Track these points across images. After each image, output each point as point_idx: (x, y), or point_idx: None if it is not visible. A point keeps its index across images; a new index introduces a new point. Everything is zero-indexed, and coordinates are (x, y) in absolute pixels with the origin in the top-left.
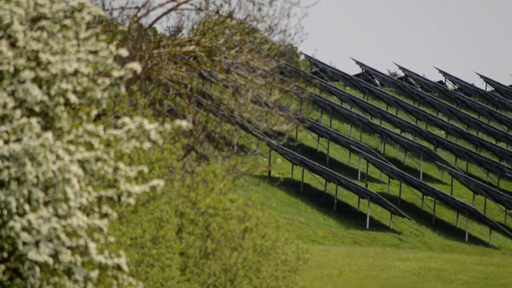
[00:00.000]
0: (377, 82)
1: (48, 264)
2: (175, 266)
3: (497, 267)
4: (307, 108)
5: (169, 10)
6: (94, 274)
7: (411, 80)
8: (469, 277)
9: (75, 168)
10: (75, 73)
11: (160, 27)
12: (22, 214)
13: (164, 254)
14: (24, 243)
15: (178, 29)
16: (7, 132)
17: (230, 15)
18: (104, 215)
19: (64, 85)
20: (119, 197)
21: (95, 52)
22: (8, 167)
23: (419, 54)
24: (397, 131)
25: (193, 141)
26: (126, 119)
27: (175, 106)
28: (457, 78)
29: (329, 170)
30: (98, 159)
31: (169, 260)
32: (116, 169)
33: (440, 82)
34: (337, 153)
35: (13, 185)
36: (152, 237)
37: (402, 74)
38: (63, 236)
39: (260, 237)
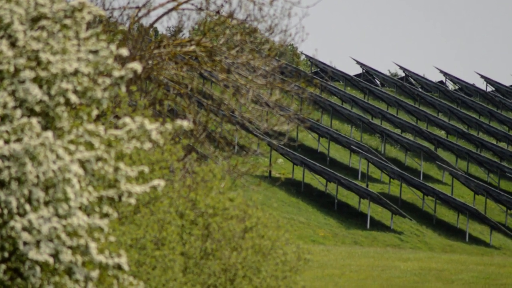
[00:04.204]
0: (378, 82)
1: (48, 263)
2: (178, 268)
3: (498, 267)
4: (308, 108)
5: (170, 10)
6: (95, 273)
7: (412, 80)
8: (470, 277)
9: (76, 168)
10: (76, 73)
11: (160, 27)
12: (22, 214)
13: (167, 256)
14: (25, 243)
15: (179, 29)
16: (7, 132)
17: (231, 15)
18: (104, 215)
19: (64, 85)
20: (119, 197)
21: (95, 52)
22: (8, 167)
23: (420, 54)
24: (398, 131)
25: (194, 141)
26: (127, 119)
27: (176, 106)
28: (457, 78)
29: (329, 170)
30: (98, 159)
31: (171, 261)
32: (116, 169)
33: (441, 82)
34: (338, 153)
35: (14, 185)
36: (155, 239)
37: (403, 74)
38: (63, 235)
39: (259, 237)
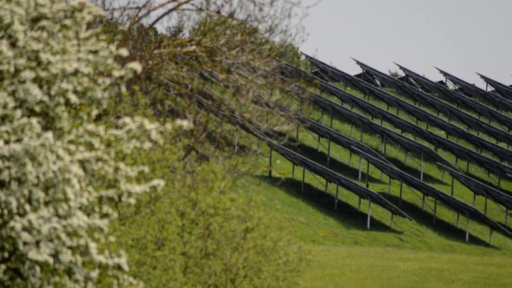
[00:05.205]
0: (378, 82)
1: (48, 263)
2: (178, 267)
3: (498, 267)
4: (308, 108)
5: (170, 10)
6: (95, 274)
7: (412, 80)
8: (470, 277)
9: (76, 168)
10: (76, 73)
11: (161, 27)
12: (22, 214)
13: (168, 256)
14: (25, 243)
15: (179, 29)
16: (7, 132)
17: (231, 15)
18: (104, 215)
19: (64, 85)
20: (119, 197)
21: (95, 52)
22: (8, 167)
23: (420, 54)
24: (398, 131)
25: (194, 141)
26: (127, 119)
27: (176, 106)
28: (457, 78)
29: (329, 170)
30: (98, 159)
31: (172, 261)
32: (116, 169)
33: (441, 82)
34: (338, 153)
35: (14, 185)
36: (156, 239)
37: (403, 74)
38: (63, 236)
39: (261, 237)
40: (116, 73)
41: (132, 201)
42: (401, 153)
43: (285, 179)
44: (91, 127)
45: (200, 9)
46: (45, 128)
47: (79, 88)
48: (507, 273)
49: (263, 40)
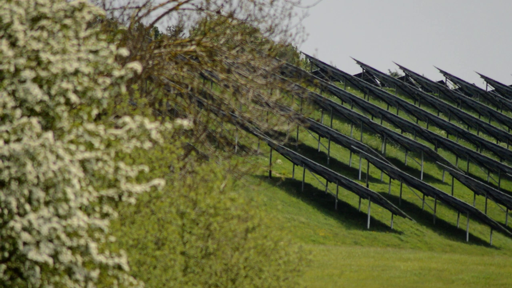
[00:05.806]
0: (378, 82)
1: (48, 264)
2: (178, 267)
3: (498, 267)
4: (308, 108)
5: (170, 10)
6: (95, 273)
7: (412, 80)
8: (470, 277)
9: (76, 169)
10: (76, 72)
11: (161, 27)
12: (22, 214)
13: (167, 255)
14: (25, 243)
15: (179, 29)
16: (7, 132)
17: (231, 15)
18: (105, 215)
19: (64, 85)
20: (120, 197)
21: (95, 52)
22: (8, 167)
23: (420, 54)
24: (398, 131)
25: (194, 141)
26: (127, 119)
27: (176, 106)
28: (457, 78)
29: (330, 170)
30: (98, 159)
31: (172, 261)
32: (116, 169)
33: (441, 82)
34: (338, 153)
35: (14, 185)
36: (156, 238)
37: (403, 74)
38: (63, 236)
39: (262, 237)
40: (116, 73)
41: (133, 200)
42: (401, 152)
43: (285, 179)
44: (91, 127)
45: (200, 9)
46: (45, 128)
47: (79, 88)
48: (507, 273)
49: (263, 40)
